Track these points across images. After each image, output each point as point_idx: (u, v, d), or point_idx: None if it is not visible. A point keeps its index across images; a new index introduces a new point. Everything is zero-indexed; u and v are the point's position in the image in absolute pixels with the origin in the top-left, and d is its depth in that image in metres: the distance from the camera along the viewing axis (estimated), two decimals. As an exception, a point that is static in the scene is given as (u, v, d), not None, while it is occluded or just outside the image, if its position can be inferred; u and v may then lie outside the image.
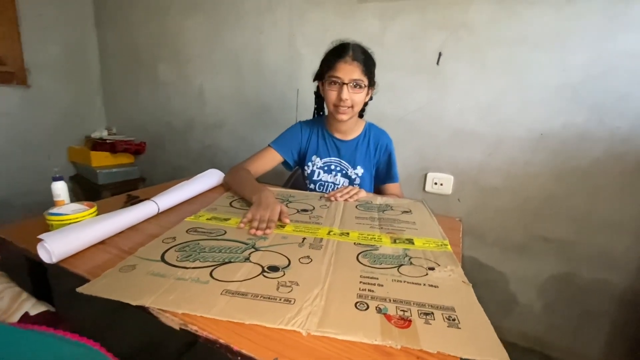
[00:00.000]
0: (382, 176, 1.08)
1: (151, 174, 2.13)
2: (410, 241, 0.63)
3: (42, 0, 1.82)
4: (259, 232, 0.62)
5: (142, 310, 0.41)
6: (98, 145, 1.94)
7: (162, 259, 0.52)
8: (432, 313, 0.42)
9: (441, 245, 0.63)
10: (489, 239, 1.33)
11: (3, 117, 1.74)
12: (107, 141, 1.96)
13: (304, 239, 0.62)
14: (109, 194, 1.88)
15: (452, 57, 1.26)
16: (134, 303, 0.41)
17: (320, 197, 0.88)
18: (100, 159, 1.94)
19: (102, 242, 0.58)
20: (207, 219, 0.69)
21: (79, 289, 0.43)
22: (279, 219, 0.69)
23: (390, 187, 1.07)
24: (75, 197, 2.11)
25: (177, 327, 0.40)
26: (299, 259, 0.54)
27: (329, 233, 0.65)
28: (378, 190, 1.10)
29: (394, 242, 0.63)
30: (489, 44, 1.20)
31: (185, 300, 0.42)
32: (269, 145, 1.04)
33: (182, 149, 1.98)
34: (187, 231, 0.62)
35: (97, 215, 0.63)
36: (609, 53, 1.07)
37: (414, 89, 1.34)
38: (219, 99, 1.79)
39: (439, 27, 1.25)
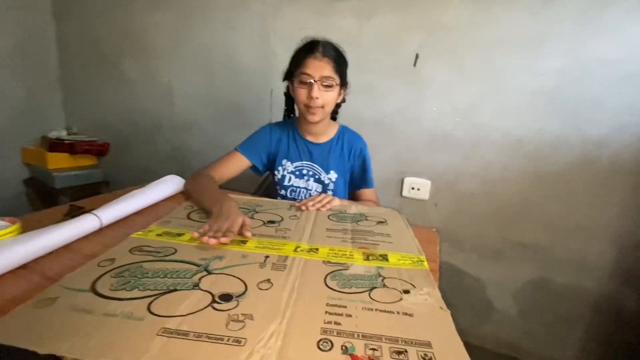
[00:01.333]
0: (356, 181, 1.03)
1: (116, 177, 1.99)
2: (385, 257, 0.58)
3: (-11, -14, 1.65)
4: (212, 241, 0.55)
5: (55, 360, 0.33)
6: (56, 145, 1.79)
7: (92, 289, 0.43)
8: (406, 351, 0.36)
9: (417, 261, 0.57)
10: (466, 245, 1.31)
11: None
12: (66, 142, 1.81)
13: (267, 257, 0.55)
14: (67, 199, 1.73)
15: (430, 59, 1.23)
16: (41, 352, 0.33)
17: (291, 207, 0.82)
18: (57, 161, 1.79)
19: (24, 267, 0.49)
20: (157, 235, 0.61)
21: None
22: (240, 232, 0.62)
23: (366, 192, 1.02)
24: (29, 202, 1.94)
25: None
26: (258, 284, 0.47)
27: (295, 249, 0.59)
28: (353, 196, 1.04)
29: (367, 258, 0.57)
30: (466, 46, 1.18)
31: (109, 346, 0.34)
32: (235, 149, 0.97)
33: (150, 150, 1.86)
34: (130, 250, 0.54)
35: (20, 233, 0.53)
36: (584, 58, 1.07)
37: (392, 91, 1.30)
38: (188, 98, 1.69)
39: (416, 28, 1.22)
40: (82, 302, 0.41)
